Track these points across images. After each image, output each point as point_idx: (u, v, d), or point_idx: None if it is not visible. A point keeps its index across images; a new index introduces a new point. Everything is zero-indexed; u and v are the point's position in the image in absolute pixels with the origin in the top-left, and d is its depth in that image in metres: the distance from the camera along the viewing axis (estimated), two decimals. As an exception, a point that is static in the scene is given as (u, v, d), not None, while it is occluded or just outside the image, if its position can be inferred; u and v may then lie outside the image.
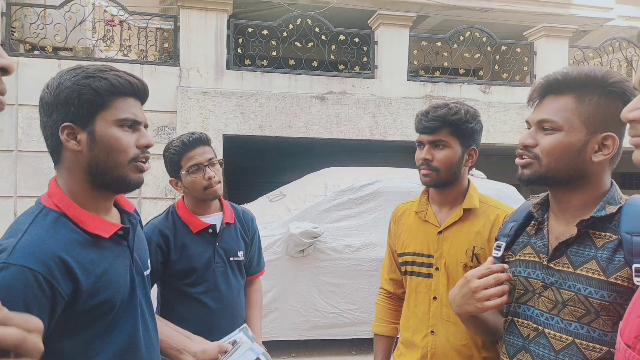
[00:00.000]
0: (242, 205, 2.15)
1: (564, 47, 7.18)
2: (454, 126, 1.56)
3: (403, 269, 1.71)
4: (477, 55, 7.07)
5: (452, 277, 1.58)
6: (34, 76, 5.50)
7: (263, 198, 5.33)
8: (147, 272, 1.22)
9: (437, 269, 1.61)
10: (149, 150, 1.12)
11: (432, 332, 1.60)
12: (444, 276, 1.59)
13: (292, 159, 8.27)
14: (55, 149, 1.06)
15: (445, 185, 1.62)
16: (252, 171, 8.75)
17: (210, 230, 1.86)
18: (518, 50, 7.23)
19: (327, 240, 4.21)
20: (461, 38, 6.97)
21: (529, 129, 1.19)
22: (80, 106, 1.02)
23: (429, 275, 1.62)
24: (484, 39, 7.08)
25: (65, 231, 1.01)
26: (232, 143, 6.64)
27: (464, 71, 7.04)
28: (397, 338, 1.80)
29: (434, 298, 1.60)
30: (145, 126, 1.12)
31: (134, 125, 1.08)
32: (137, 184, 1.10)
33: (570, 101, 1.12)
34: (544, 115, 1.14)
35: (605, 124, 1.10)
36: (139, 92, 1.09)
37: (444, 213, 1.65)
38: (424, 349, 1.60)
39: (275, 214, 4.47)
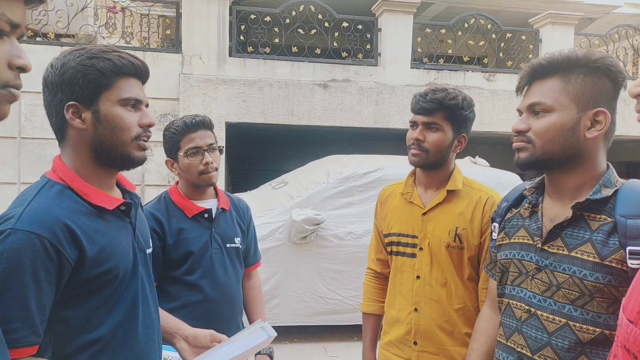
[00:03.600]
0: (236, 195, 2.12)
1: (570, 34, 7.11)
2: (449, 111, 1.60)
3: (389, 249, 1.76)
4: (482, 43, 7.01)
5: (435, 257, 1.63)
6: (36, 63, 5.38)
7: (265, 185, 5.33)
8: (149, 250, 1.24)
9: (420, 249, 1.66)
10: (151, 134, 1.16)
11: (415, 309, 1.66)
12: (427, 256, 1.64)
13: (294, 147, 8.26)
14: (60, 127, 1.09)
15: (432, 167, 1.66)
16: (255, 159, 8.75)
17: (206, 215, 1.81)
18: (523, 37, 7.16)
19: (329, 227, 4.22)
20: (465, 25, 6.90)
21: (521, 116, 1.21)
22: (85, 86, 1.05)
23: (413, 255, 1.67)
24: (489, 26, 7.01)
25: (69, 202, 1.04)
26: (234, 131, 6.63)
27: (468, 59, 6.99)
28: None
29: (417, 277, 1.66)
30: (146, 105, 1.15)
31: (136, 104, 1.11)
32: (141, 161, 1.14)
33: (556, 82, 1.14)
34: (533, 99, 1.16)
35: (594, 100, 1.11)
36: (141, 73, 1.13)
37: (429, 195, 1.69)
38: (409, 325, 1.66)
39: (277, 201, 4.48)
